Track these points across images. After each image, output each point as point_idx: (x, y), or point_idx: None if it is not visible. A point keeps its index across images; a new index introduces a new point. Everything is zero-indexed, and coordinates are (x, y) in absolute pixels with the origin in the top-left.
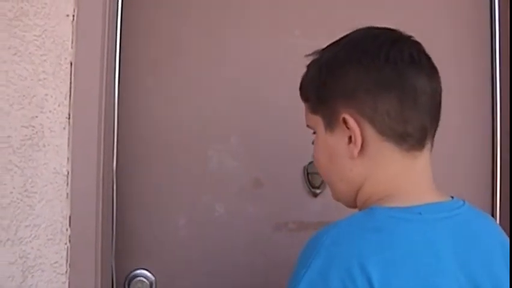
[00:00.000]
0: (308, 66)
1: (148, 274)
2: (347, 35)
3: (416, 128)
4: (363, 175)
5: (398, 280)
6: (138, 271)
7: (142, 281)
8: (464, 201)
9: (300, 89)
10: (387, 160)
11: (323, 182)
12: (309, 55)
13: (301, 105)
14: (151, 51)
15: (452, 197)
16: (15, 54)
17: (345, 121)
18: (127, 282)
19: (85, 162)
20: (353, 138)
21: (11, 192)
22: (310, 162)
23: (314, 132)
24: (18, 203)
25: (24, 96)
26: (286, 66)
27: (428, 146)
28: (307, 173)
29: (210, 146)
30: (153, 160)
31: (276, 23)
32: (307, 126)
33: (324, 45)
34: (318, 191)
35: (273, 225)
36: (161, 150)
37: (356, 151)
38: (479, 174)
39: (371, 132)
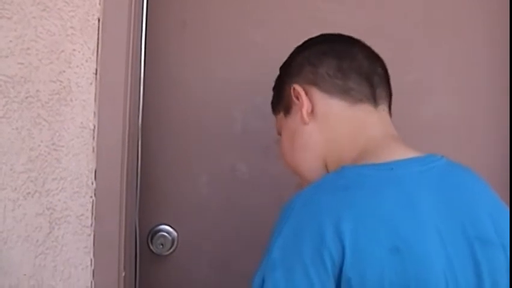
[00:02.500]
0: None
1: (171, 230)
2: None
3: (356, 84)
4: (323, 138)
5: (370, 235)
6: (161, 226)
7: (165, 235)
8: (442, 156)
9: (271, 106)
10: (338, 115)
11: None
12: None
13: None
14: (179, 11)
15: (433, 154)
16: (44, 10)
17: (294, 91)
18: (150, 236)
19: (111, 117)
20: (300, 100)
21: (39, 146)
22: None
23: (280, 134)
24: (46, 156)
25: (52, 51)
26: (311, 29)
27: (382, 107)
28: None
29: (234, 106)
30: (178, 117)
31: None
32: (278, 133)
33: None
34: None
35: (295, 186)
36: (186, 108)
37: (304, 112)
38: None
39: (317, 94)
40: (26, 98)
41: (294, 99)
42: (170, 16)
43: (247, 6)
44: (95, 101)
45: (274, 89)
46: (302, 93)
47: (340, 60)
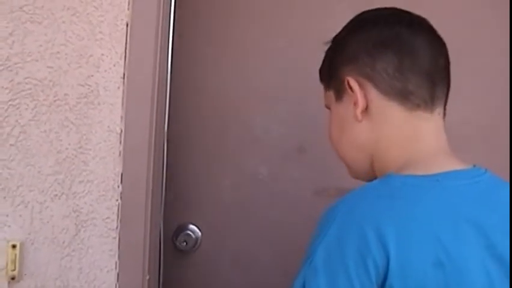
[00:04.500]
0: (325, 52)
1: (196, 229)
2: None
3: (417, 86)
4: (373, 138)
5: (414, 246)
6: (186, 225)
7: (189, 234)
8: (486, 169)
9: (319, 72)
10: (393, 120)
11: None
12: (327, 42)
13: None
14: (206, 18)
15: (474, 165)
16: (73, 14)
17: (349, 84)
18: (175, 235)
19: (138, 121)
20: (355, 96)
21: (67, 148)
22: None
23: (328, 108)
24: (73, 158)
25: (81, 55)
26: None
27: (438, 110)
28: None
29: (257, 112)
30: (202, 122)
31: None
32: (326, 106)
33: None
34: None
35: (314, 190)
36: (210, 114)
37: (359, 111)
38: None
39: (373, 92)
40: (55, 101)
41: (348, 90)
42: (197, 20)
43: (268, 15)
44: (122, 105)
45: (325, 61)
46: (357, 89)
47: (401, 56)
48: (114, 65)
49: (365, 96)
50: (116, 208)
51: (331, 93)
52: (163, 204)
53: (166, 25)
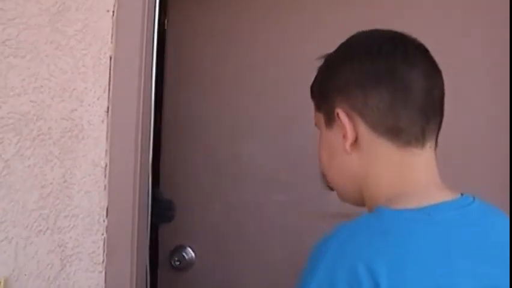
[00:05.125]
0: (317, 70)
1: (190, 250)
2: (346, 39)
3: (408, 123)
4: (363, 171)
5: (407, 282)
6: (182, 247)
7: (183, 255)
8: (474, 197)
9: (310, 88)
10: (383, 156)
11: None
12: (319, 58)
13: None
14: (190, 49)
15: (462, 194)
16: (56, 48)
17: (338, 116)
18: (171, 254)
19: (123, 154)
20: (344, 129)
21: (51, 183)
22: None
23: (317, 126)
24: (58, 193)
25: (64, 89)
26: None
27: (429, 144)
28: None
29: (244, 141)
30: (190, 153)
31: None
32: (315, 124)
33: None
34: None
35: (298, 214)
36: (197, 145)
37: (347, 145)
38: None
39: (363, 127)
40: (38, 135)
41: (338, 121)
42: (181, 52)
43: (260, 45)
44: (106, 138)
45: (316, 79)
46: (347, 122)
47: (394, 92)
48: (98, 99)
49: (355, 129)
50: (101, 242)
51: (321, 116)
52: (148, 238)
53: (150, 57)
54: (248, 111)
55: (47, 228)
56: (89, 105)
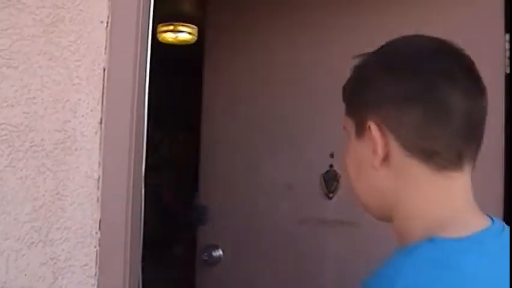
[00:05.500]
0: (351, 70)
1: (219, 248)
2: (387, 43)
3: (445, 147)
4: (392, 191)
5: None
6: (212, 245)
7: (212, 252)
8: (502, 223)
9: (342, 89)
10: (417, 178)
11: (336, 187)
12: (356, 57)
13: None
14: (227, 78)
15: (491, 218)
16: (50, 59)
17: (370, 129)
18: (202, 251)
19: (116, 167)
20: (374, 144)
21: (43, 195)
22: (327, 171)
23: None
24: (50, 205)
25: (58, 100)
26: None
27: (467, 167)
28: (324, 180)
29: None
30: (223, 169)
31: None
32: (343, 128)
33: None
34: (331, 194)
35: (298, 220)
36: (229, 162)
37: (377, 162)
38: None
39: (395, 145)
40: (31, 147)
41: (369, 133)
42: (219, 85)
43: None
44: (99, 150)
45: (349, 83)
46: (378, 137)
47: (432, 113)
48: (91, 110)
49: (386, 146)
50: (94, 255)
51: (351, 122)
52: (141, 250)
53: (144, 69)
54: (270, 134)
55: (39, 241)
56: (82, 116)
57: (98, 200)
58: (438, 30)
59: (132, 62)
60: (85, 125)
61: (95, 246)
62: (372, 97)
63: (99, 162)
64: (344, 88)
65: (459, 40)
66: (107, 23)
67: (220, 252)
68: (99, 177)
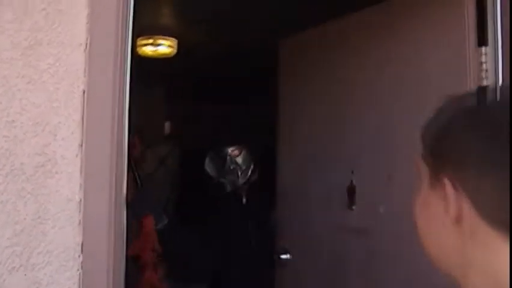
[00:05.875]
0: (435, 111)
1: (287, 252)
2: (481, 101)
3: None
4: (463, 256)
5: None
6: (282, 247)
7: (281, 254)
8: None
9: (422, 129)
10: (493, 249)
11: (355, 199)
12: (450, 98)
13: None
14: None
15: None
16: (29, 82)
17: (444, 186)
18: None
19: (97, 189)
20: (446, 205)
21: (24, 219)
22: (349, 186)
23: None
24: (31, 229)
25: (37, 123)
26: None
27: None
28: (347, 193)
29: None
30: (294, 186)
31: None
32: (416, 166)
33: None
34: (353, 206)
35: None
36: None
37: (447, 220)
38: None
39: (471, 209)
40: (11, 171)
41: (442, 188)
42: (294, 111)
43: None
44: (80, 173)
45: (432, 124)
46: (452, 198)
47: None
48: (72, 133)
49: (460, 208)
50: (77, 278)
51: (425, 168)
52: (124, 272)
53: (123, 91)
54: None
55: (21, 266)
56: (62, 139)
57: (80, 223)
58: (411, 49)
59: (112, 84)
60: (65, 148)
61: (78, 270)
62: (454, 153)
63: (80, 185)
64: (424, 129)
65: (434, 56)
66: (86, 45)
67: (288, 255)
68: (80, 200)
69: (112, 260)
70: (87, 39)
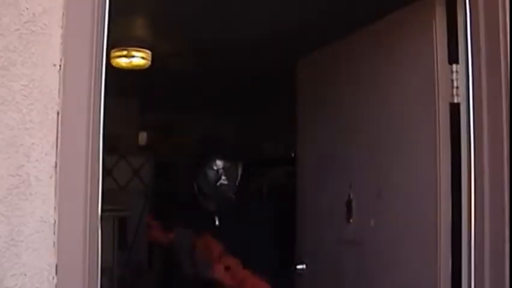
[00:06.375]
0: None
1: (303, 264)
2: None
3: None
4: None
5: None
6: (299, 260)
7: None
8: None
9: None
10: None
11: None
12: None
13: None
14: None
15: None
16: (2, 103)
17: None
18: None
19: (72, 211)
20: None
21: None
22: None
23: None
24: (5, 252)
25: (11, 145)
26: None
27: None
28: (346, 207)
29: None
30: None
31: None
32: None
33: None
34: (351, 220)
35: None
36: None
37: None
38: None
39: None
40: None
41: None
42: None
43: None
44: (55, 195)
45: None
46: None
47: None
48: (46, 154)
49: None
50: None
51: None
52: None
53: (98, 112)
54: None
55: None
56: (36, 161)
57: (54, 245)
58: (383, 65)
59: (86, 104)
60: (39, 169)
61: None
62: None
63: (55, 207)
64: None
65: (406, 73)
66: (60, 66)
67: (303, 266)
68: (55, 222)
69: (87, 281)
70: (61, 60)
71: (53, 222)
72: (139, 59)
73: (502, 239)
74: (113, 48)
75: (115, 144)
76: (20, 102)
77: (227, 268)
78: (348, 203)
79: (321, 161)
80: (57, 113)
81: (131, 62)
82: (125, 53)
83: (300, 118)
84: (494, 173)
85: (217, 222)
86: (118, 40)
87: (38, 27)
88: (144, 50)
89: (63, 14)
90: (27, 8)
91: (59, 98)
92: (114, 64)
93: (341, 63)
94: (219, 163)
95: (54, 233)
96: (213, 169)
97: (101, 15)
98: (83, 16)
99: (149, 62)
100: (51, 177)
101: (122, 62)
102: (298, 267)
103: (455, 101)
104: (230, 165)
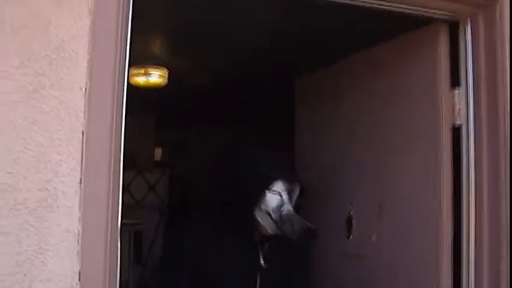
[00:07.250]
0: None
1: None
2: None
3: None
4: None
5: None
6: None
7: None
8: None
9: None
10: None
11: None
12: None
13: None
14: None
15: None
16: (33, 123)
17: None
18: None
19: (94, 222)
20: None
21: (26, 250)
22: (348, 216)
23: None
24: (33, 259)
25: (40, 161)
26: None
27: None
28: (346, 223)
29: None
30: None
31: None
32: None
33: None
34: (351, 236)
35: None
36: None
37: None
38: None
39: None
40: (15, 205)
41: None
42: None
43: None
44: (79, 208)
45: None
46: None
47: None
48: (72, 170)
49: None
50: None
51: None
52: None
53: (119, 132)
54: None
55: None
56: (63, 176)
57: (78, 253)
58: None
59: (109, 126)
60: (65, 184)
61: None
62: None
63: (79, 218)
64: None
65: (408, 98)
66: (86, 89)
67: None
68: (79, 232)
69: (107, 286)
70: (87, 83)
71: (77, 232)
72: (156, 77)
73: (499, 257)
74: (130, 66)
75: (133, 159)
76: (49, 122)
77: None
78: (349, 220)
79: (323, 179)
80: (82, 133)
81: (148, 80)
82: (142, 71)
83: (298, 136)
84: (493, 191)
85: (261, 261)
86: (135, 58)
87: (67, 53)
88: (161, 67)
89: (89, 40)
90: (56, 35)
91: (84, 118)
92: (132, 82)
93: (342, 84)
94: (280, 185)
95: (78, 242)
96: (274, 192)
97: (124, 41)
98: (108, 43)
99: (166, 80)
100: (76, 192)
101: (140, 80)
102: None
103: (457, 122)
104: (292, 188)
